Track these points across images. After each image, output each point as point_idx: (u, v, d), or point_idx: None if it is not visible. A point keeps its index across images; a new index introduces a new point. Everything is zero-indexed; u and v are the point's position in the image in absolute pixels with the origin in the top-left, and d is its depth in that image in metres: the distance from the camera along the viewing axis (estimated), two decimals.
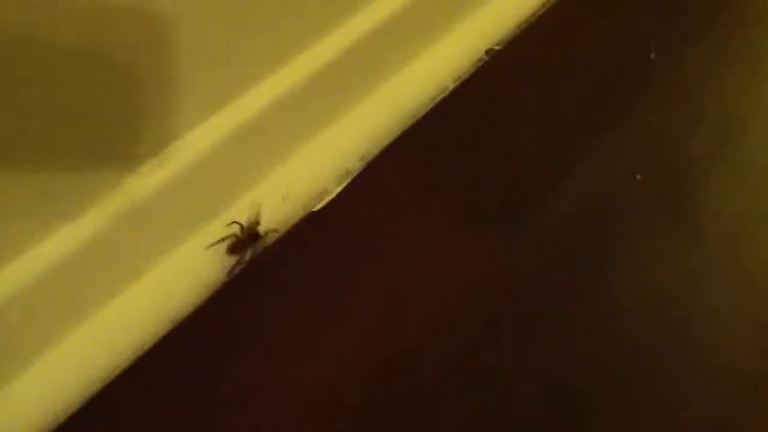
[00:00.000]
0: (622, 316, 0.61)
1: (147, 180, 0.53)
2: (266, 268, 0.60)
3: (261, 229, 0.60)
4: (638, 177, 0.71)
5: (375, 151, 0.67)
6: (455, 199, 0.67)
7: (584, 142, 0.72)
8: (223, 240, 0.58)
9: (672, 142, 0.74)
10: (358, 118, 0.69)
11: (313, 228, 0.63)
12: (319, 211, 0.63)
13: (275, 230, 0.61)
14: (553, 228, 0.66)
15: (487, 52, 0.77)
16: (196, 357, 0.55)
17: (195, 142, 0.55)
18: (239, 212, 0.60)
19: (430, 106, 0.72)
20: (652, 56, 0.80)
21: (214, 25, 0.51)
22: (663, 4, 0.87)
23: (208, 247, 0.59)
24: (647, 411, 0.56)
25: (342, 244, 0.63)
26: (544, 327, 0.59)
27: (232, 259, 0.58)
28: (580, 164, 0.71)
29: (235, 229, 0.59)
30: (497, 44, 0.78)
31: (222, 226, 0.60)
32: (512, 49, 0.78)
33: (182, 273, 0.58)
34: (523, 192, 0.69)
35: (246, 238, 0.59)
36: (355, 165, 0.67)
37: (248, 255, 0.59)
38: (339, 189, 0.65)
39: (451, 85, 0.74)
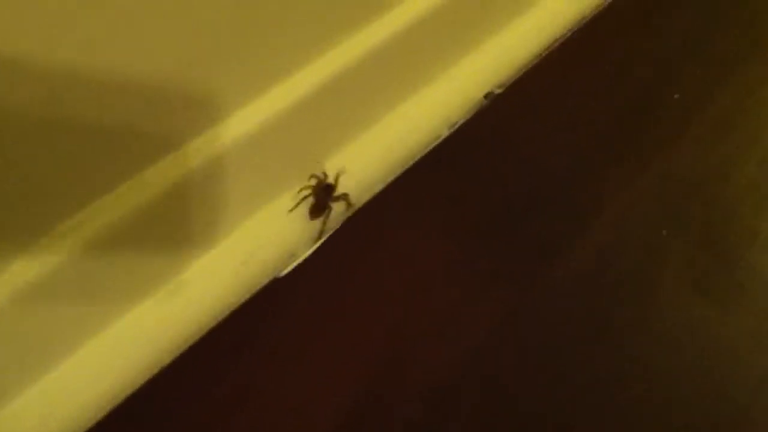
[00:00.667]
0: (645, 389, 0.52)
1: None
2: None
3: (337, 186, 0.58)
4: (664, 233, 0.62)
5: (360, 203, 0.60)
6: (453, 250, 0.59)
7: (598, 195, 0.63)
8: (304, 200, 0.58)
9: (700, 192, 0.65)
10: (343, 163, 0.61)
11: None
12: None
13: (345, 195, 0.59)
14: (566, 290, 0.57)
15: (486, 95, 0.69)
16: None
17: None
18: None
19: (421, 155, 0.64)
20: (675, 96, 0.71)
21: None
22: (683, 42, 0.78)
23: (291, 210, 0.58)
24: None
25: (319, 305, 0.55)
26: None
27: (317, 224, 0.58)
28: (594, 220, 0.62)
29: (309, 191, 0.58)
30: (498, 87, 0.70)
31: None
32: (514, 92, 0.70)
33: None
34: (530, 250, 0.60)
35: (323, 197, 0.58)
36: (331, 226, 0.59)
37: (331, 214, 0.58)
38: (309, 252, 0.57)
39: (446, 132, 0.66)
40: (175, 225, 0.51)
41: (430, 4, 0.61)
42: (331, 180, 0.59)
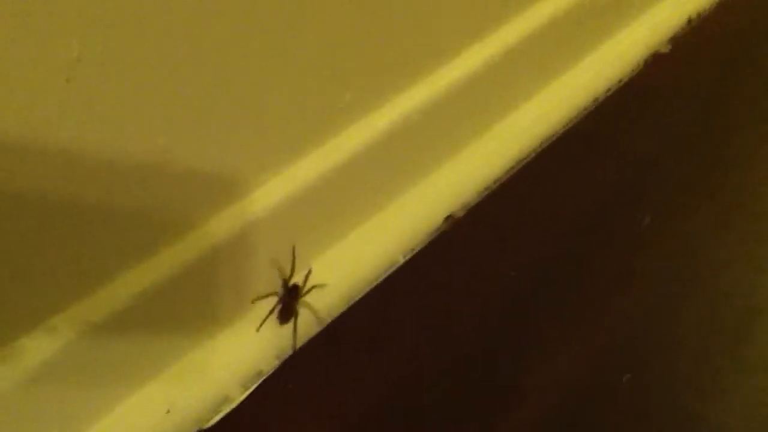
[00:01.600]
0: None
1: None
2: None
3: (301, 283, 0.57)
4: (625, 379, 0.57)
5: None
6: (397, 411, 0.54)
7: (557, 333, 0.59)
8: (271, 312, 0.55)
9: (663, 331, 0.60)
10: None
11: None
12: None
13: (321, 285, 0.57)
14: None
15: (446, 219, 0.66)
16: None
17: None
18: None
19: (373, 286, 0.61)
20: (646, 222, 0.68)
21: None
22: (650, 166, 0.76)
23: (258, 328, 0.55)
24: None
25: None
26: None
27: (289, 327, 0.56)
28: (546, 363, 0.57)
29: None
30: (459, 209, 0.67)
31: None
32: (476, 216, 0.68)
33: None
34: (477, 398, 0.55)
35: (288, 298, 0.56)
36: (270, 364, 0.55)
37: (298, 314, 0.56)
38: (243, 396, 0.52)
39: (401, 260, 0.63)
40: None
41: (385, 124, 0.59)
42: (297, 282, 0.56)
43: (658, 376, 0.57)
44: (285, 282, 0.56)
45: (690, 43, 0.89)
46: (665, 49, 0.88)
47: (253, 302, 0.55)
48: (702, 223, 0.68)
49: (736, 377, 0.56)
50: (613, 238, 0.67)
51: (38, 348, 0.43)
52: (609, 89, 0.82)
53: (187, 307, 0.51)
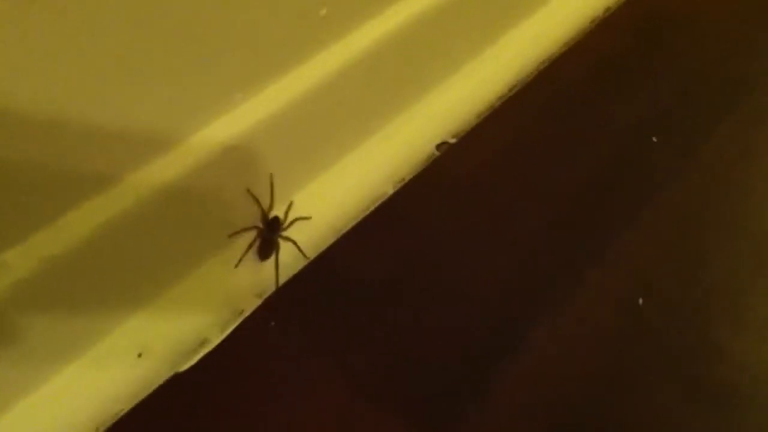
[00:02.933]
0: None
1: None
2: None
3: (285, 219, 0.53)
4: (641, 301, 0.54)
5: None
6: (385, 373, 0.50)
7: (569, 264, 0.56)
8: (249, 247, 0.51)
9: (682, 259, 0.57)
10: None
11: None
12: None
13: (305, 217, 0.54)
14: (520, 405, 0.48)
15: (438, 146, 0.62)
16: None
17: None
18: None
19: (359, 219, 0.57)
20: (654, 140, 0.64)
21: None
22: (659, 94, 0.71)
23: (237, 265, 0.51)
24: None
25: (217, 413, 0.46)
26: None
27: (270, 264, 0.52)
28: (558, 300, 0.54)
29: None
30: (452, 136, 0.63)
31: None
32: (471, 142, 0.63)
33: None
34: (480, 349, 0.52)
35: (267, 232, 0.52)
36: (251, 303, 0.51)
37: (279, 249, 0.52)
38: (222, 337, 0.49)
39: (391, 190, 0.59)
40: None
41: (369, 42, 0.54)
42: (277, 215, 0.52)
43: (677, 305, 0.54)
44: (264, 215, 0.52)
45: None
46: None
47: (229, 237, 0.51)
48: (719, 146, 0.64)
49: (758, 301, 0.53)
50: (621, 161, 0.63)
51: None
52: (608, 8, 0.77)
53: (157, 242, 0.47)
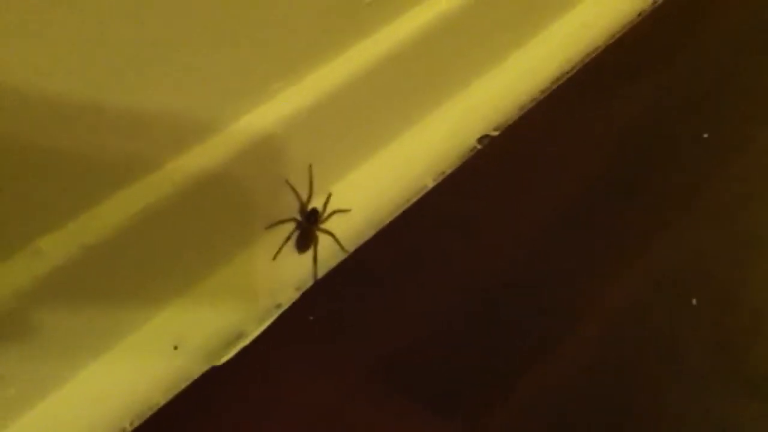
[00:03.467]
0: None
1: None
2: None
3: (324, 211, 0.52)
4: (694, 302, 0.52)
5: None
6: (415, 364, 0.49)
7: (613, 256, 0.54)
8: (287, 240, 0.50)
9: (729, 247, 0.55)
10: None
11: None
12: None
13: (344, 210, 0.52)
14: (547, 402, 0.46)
15: (480, 139, 0.61)
16: None
17: None
18: None
19: (398, 212, 0.55)
20: (705, 136, 0.62)
21: None
22: (712, 77, 0.69)
23: (275, 257, 0.50)
24: None
25: (254, 407, 0.45)
26: None
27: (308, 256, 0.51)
28: (601, 288, 0.52)
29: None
30: (495, 129, 0.61)
31: None
32: (514, 135, 0.61)
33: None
34: (520, 330, 0.50)
35: (306, 223, 0.50)
36: (289, 296, 0.50)
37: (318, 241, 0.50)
38: (259, 331, 0.48)
39: (431, 184, 0.57)
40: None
41: (416, 33, 0.53)
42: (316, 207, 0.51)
43: (729, 294, 0.51)
44: (303, 206, 0.51)
45: None
46: None
47: (267, 228, 0.50)
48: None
49: None
50: (667, 155, 0.61)
51: (20, 273, 0.38)
52: (655, 1, 0.75)
53: (193, 231, 0.46)
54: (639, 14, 0.74)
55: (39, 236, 0.39)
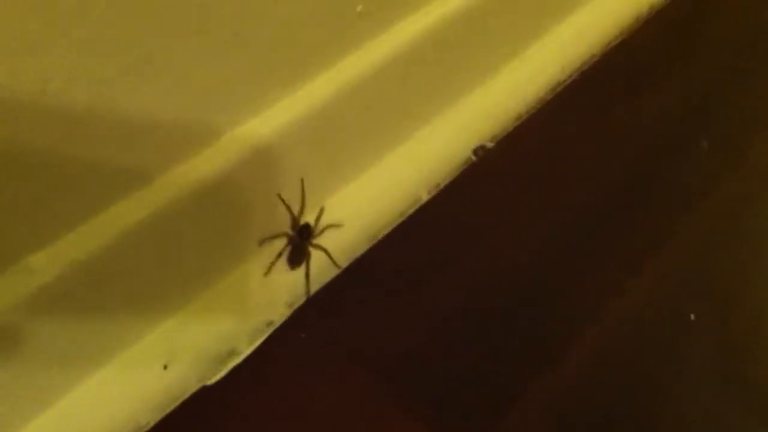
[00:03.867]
0: None
1: None
2: None
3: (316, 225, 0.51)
4: (692, 317, 0.51)
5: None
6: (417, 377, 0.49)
7: (609, 277, 0.54)
8: (279, 255, 0.50)
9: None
10: None
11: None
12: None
13: (337, 224, 0.52)
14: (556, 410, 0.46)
15: (475, 151, 0.60)
16: None
17: None
18: None
19: (392, 227, 0.55)
20: (703, 144, 0.62)
21: None
22: (712, 84, 0.69)
23: (266, 273, 0.50)
24: None
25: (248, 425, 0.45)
26: None
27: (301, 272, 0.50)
28: (604, 297, 0.52)
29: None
30: (490, 140, 0.61)
31: None
32: (510, 146, 0.61)
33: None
34: (517, 344, 0.50)
35: (298, 238, 0.50)
36: (281, 313, 0.49)
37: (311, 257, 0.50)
38: (251, 349, 0.47)
39: (425, 197, 0.57)
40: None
41: (404, 42, 0.53)
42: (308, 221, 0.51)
43: (730, 297, 0.51)
44: (294, 221, 0.50)
45: None
46: None
47: (260, 245, 0.50)
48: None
49: None
50: (665, 164, 0.61)
51: (9, 290, 0.38)
52: (652, 6, 0.75)
53: (184, 247, 0.45)
54: (636, 20, 0.74)
55: (29, 253, 0.39)
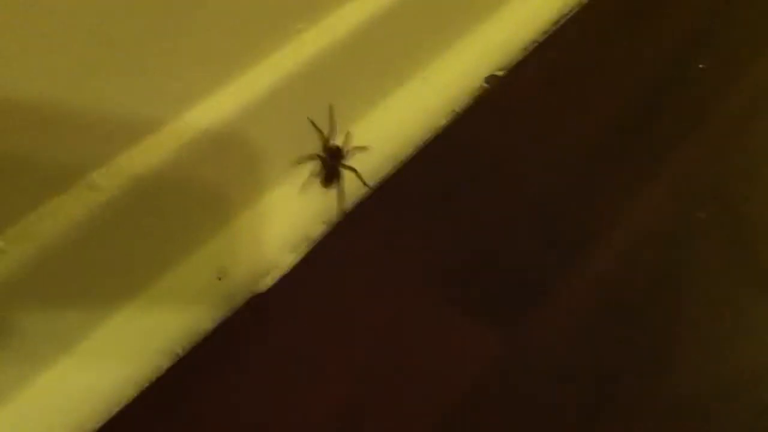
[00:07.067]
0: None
1: None
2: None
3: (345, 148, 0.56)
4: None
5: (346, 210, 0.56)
6: (447, 273, 0.54)
7: (618, 190, 0.59)
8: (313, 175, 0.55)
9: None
10: None
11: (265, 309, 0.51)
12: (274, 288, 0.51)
13: (363, 147, 0.57)
14: (564, 331, 0.52)
15: (487, 79, 0.66)
16: None
17: None
18: None
19: (416, 150, 0.60)
20: (701, 66, 0.68)
21: None
22: (709, 13, 0.75)
23: (301, 192, 0.55)
24: None
25: (305, 326, 0.50)
26: None
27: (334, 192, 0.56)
28: (620, 211, 0.57)
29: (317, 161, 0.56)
30: (500, 69, 0.66)
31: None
32: (519, 74, 0.67)
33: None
34: (540, 260, 0.55)
35: (331, 162, 0.55)
36: (318, 229, 0.55)
37: (343, 178, 0.56)
38: (293, 261, 0.53)
39: (444, 121, 0.62)
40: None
41: None
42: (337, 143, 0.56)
43: (734, 213, 0.57)
44: (326, 143, 0.56)
45: None
46: None
47: (294, 164, 0.55)
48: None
49: None
50: (674, 86, 0.66)
51: (76, 205, 0.43)
52: None
53: (228, 172, 0.51)
54: None
55: (93, 169, 0.43)
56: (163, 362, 0.47)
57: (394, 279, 0.53)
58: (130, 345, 0.48)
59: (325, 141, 0.55)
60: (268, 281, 0.51)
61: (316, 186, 0.55)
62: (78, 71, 0.39)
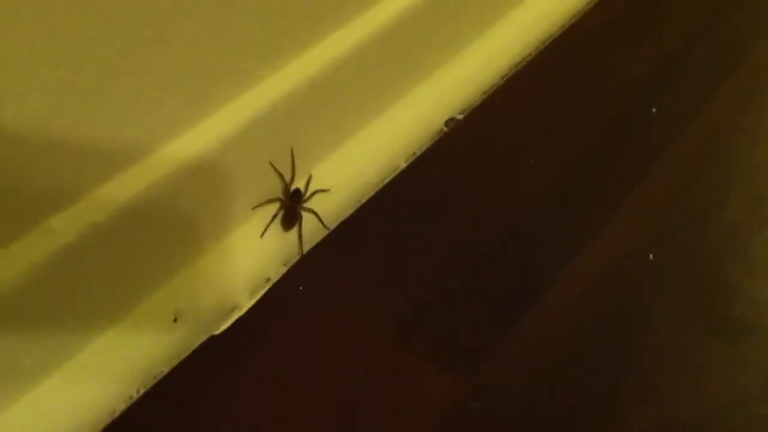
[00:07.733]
0: None
1: None
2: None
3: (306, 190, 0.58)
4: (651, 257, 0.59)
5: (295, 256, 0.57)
6: (403, 316, 0.55)
7: (569, 239, 0.61)
8: (273, 218, 0.56)
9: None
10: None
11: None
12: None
13: (325, 189, 0.59)
14: (539, 345, 0.53)
15: (447, 122, 0.68)
16: None
17: None
18: None
19: (374, 191, 0.62)
20: (653, 110, 0.70)
21: None
22: (662, 59, 0.78)
23: (262, 234, 0.56)
24: None
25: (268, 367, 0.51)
26: None
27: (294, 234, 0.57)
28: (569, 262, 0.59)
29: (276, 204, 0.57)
30: (460, 113, 0.69)
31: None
32: (478, 118, 0.69)
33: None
34: (497, 301, 0.56)
35: (290, 202, 0.57)
36: (278, 271, 0.56)
37: (302, 219, 0.57)
38: (252, 303, 0.53)
39: (403, 164, 0.64)
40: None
41: (380, 24, 0.60)
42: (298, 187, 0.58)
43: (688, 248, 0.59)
44: (286, 187, 0.57)
45: None
46: None
47: (254, 209, 0.56)
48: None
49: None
50: (627, 130, 0.69)
51: (33, 251, 0.43)
52: None
53: (188, 214, 0.52)
54: (589, 2, 0.82)
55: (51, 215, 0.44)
56: (118, 406, 0.47)
57: (351, 322, 0.54)
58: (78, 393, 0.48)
59: (287, 184, 0.57)
60: (226, 323, 0.52)
61: (278, 227, 0.57)
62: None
